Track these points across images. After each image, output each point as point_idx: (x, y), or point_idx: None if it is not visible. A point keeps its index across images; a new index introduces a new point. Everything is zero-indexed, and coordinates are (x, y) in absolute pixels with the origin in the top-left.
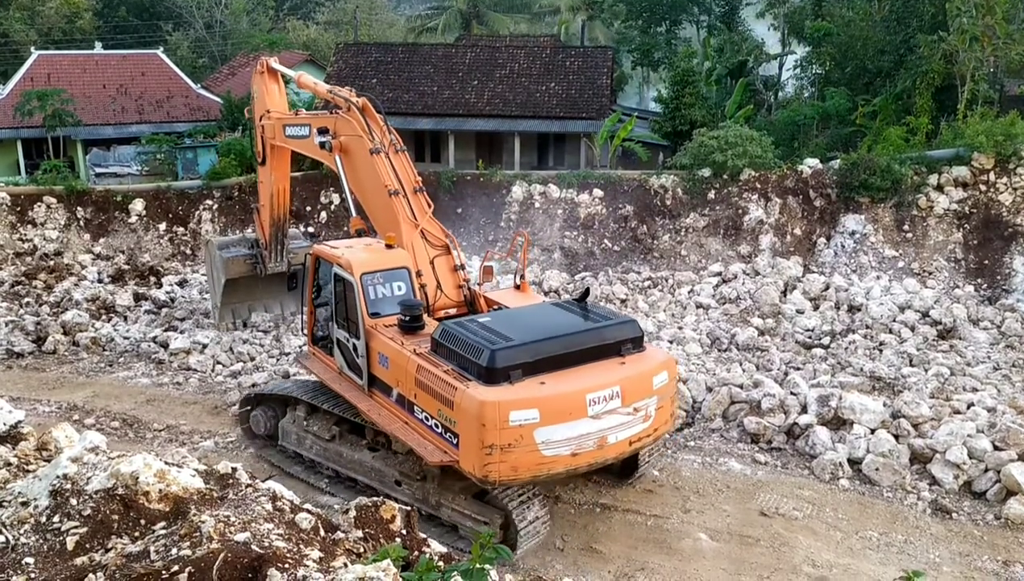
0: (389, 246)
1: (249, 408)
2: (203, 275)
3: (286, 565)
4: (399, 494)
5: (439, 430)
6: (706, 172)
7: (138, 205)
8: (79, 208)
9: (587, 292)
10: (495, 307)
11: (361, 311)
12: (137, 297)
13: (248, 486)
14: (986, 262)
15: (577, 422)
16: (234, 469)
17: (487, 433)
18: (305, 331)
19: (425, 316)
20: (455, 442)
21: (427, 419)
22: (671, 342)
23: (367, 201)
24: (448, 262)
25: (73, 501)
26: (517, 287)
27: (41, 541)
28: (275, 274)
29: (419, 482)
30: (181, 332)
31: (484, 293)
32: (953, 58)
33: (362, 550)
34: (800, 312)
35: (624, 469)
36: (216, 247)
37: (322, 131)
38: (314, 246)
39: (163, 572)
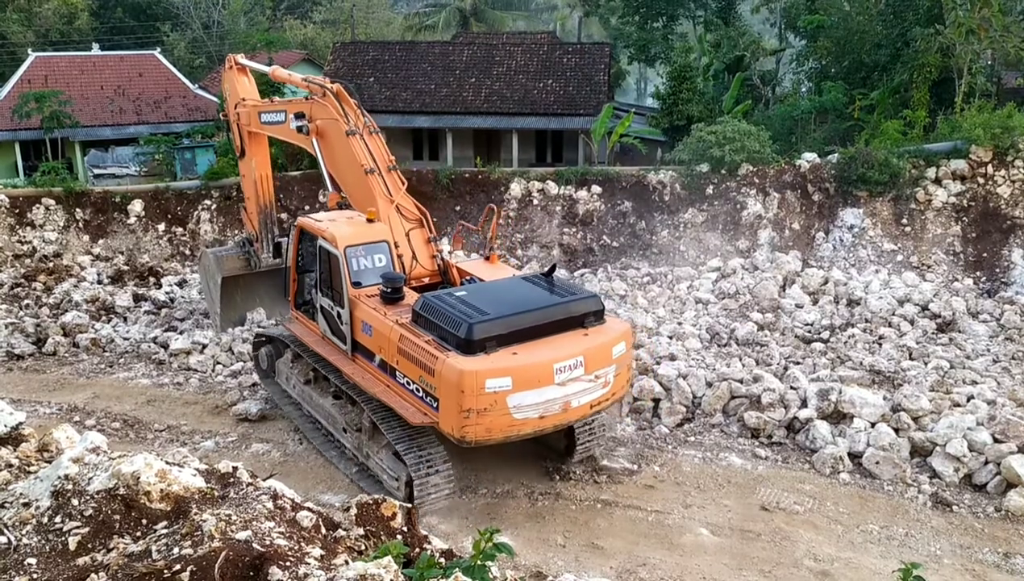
0: (370, 220)
1: (258, 347)
2: (200, 294)
3: (287, 563)
4: (343, 439)
5: (420, 394)
6: (704, 167)
7: (137, 206)
8: (78, 209)
9: (554, 267)
10: (467, 278)
11: (345, 282)
12: (137, 298)
13: (249, 485)
14: (985, 255)
15: (545, 388)
16: (235, 468)
17: (465, 399)
18: (289, 297)
19: (404, 286)
20: (435, 406)
21: (409, 384)
22: (671, 337)
23: (344, 180)
24: (422, 234)
25: (75, 501)
26: (487, 258)
27: (43, 542)
28: (272, 271)
29: (357, 433)
30: (181, 332)
31: (456, 263)
32: (950, 51)
33: (363, 548)
34: (799, 306)
35: (568, 446)
36: (209, 252)
37: (298, 116)
38: (299, 218)
39: (165, 571)
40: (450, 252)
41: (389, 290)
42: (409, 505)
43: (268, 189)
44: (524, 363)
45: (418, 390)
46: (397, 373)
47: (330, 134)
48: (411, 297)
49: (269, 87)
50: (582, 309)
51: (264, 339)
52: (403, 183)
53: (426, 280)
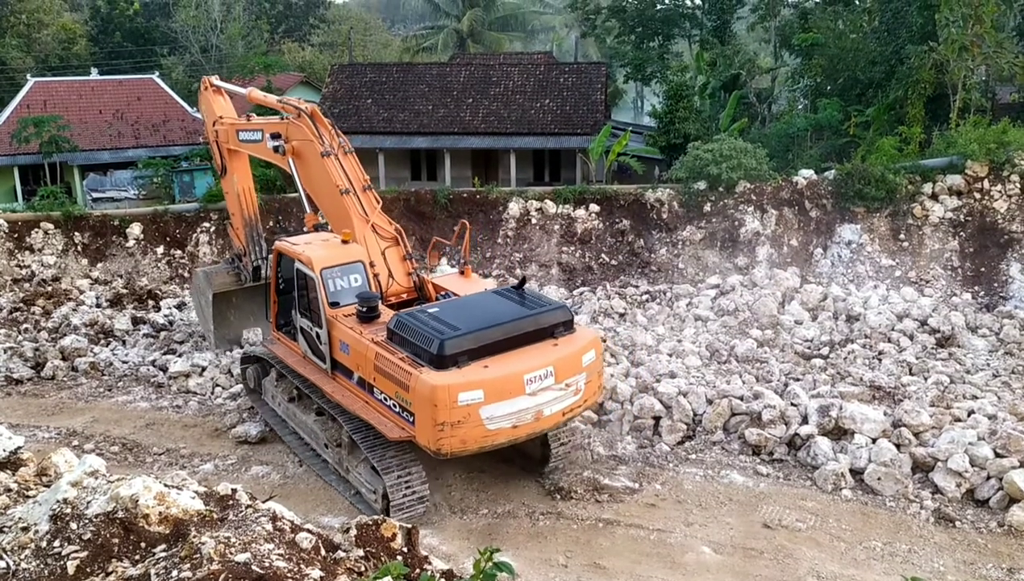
0: (345, 242)
1: (246, 366)
2: (195, 316)
3: None
4: (325, 455)
5: (397, 410)
6: (701, 185)
7: (135, 229)
8: (76, 233)
9: (524, 280)
10: (442, 293)
11: (322, 302)
12: (135, 321)
13: (248, 507)
14: (983, 269)
15: (517, 399)
16: (234, 490)
17: (439, 412)
18: (270, 318)
19: (380, 305)
20: (411, 420)
21: (386, 400)
22: (670, 355)
23: (320, 200)
24: (398, 252)
25: (73, 525)
26: (461, 273)
27: (42, 566)
28: (265, 285)
29: (337, 448)
30: (180, 355)
31: (432, 279)
32: (943, 67)
33: (363, 569)
34: (799, 323)
35: (543, 455)
36: (199, 271)
37: (275, 136)
38: (276, 243)
39: None
40: (428, 267)
41: (365, 309)
42: (409, 526)
43: (252, 201)
44: (495, 375)
45: (395, 405)
46: (375, 390)
47: (306, 155)
48: (387, 315)
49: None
50: (551, 320)
51: (251, 359)
52: (378, 202)
53: (404, 296)
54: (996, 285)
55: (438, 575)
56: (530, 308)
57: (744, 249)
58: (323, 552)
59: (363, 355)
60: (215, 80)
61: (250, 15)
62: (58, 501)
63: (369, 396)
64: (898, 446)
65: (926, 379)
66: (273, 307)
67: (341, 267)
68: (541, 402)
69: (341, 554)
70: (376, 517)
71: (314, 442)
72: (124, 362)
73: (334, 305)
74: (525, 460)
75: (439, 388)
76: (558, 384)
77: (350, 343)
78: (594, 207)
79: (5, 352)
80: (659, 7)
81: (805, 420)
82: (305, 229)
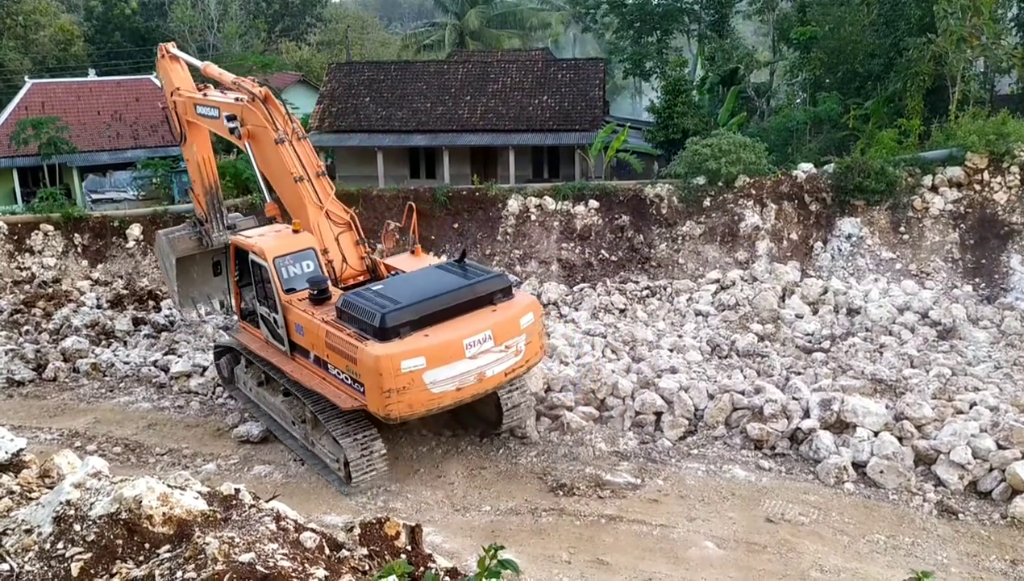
0: (296, 231)
1: (219, 357)
2: (157, 269)
3: None
4: (293, 431)
5: (348, 382)
6: (701, 180)
7: (135, 230)
8: (76, 235)
9: (465, 253)
10: (393, 272)
11: (277, 289)
12: (136, 322)
13: (252, 506)
14: (983, 261)
15: (457, 363)
16: (237, 490)
17: (384, 380)
18: (234, 309)
19: (332, 287)
20: (362, 390)
21: (339, 374)
22: (671, 350)
23: (277, 185)
24: (351, 237)
25: (77, 527)
26: (412, 253)
27: (45, 568)
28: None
29: (303, 424)
30: (181, 355)
31: (383, 261)
32: (942, 60)
33: (367, 568)
34: (799, 317)
35: (497, 417)
36: (162, 234)
37: (231, 117)
38: (231, 237)
39: None
40: (384, 251)
41: (316, 292)
42: (413, 524)
43: (211, 170)
44: (435, 342)
45: (347, 378)
46: (328, 366)
47: (261, 139)
48: (338, 296)
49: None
50: (490, 288)
51: (223, 349)
52: (331, 188)
53: (361, 278)
54: (997, 277)
55: (442, 573)
56: (469, 278)
57: (744, 244)
58: (327, 551)
59: (316, 334)
60: (172, 48)
61: (247, 14)
62: (61, 503)
63: (324, 372)
64: (900, 439)
65: (928, 372)
66: (236, 298)
67: (293, 255)
68: (482, 364)
69: (345, 553)
70: (380, 516)
71: (283, 422)
72: (125, 363)
73: (289, 291)
74: (482, 423)
75: (383, 358)
76: (497, 347)
77: (304, 325)
78: (593, 203)
79: (6, 354)
80: (658, 2)
81: (807, 414)
82: (267, 217)
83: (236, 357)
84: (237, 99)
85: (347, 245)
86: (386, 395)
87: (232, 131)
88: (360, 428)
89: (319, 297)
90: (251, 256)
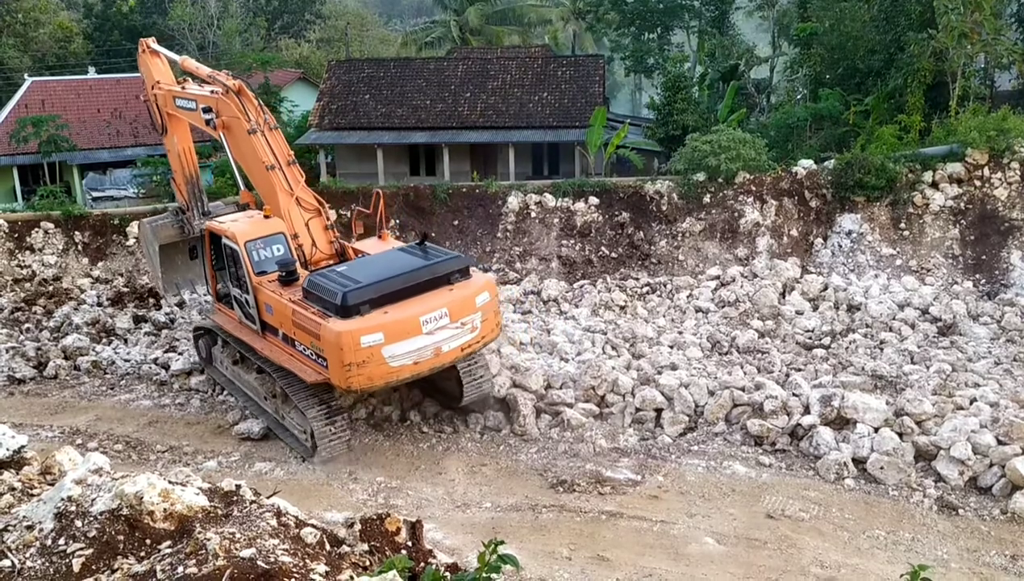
0: (267, 217)
1: (197, 338)
2: (144, 261)
3: (292, 580)
4: (265, 406)
5: (313, 357)
6: (701, 176)
7: (135, 228)
8: (77, 232)
9: (426, 236)
10: (360, 255)
11: (248, 272)
12: (137, 319)
13: (252, 502)
14: (984, 257)
15: (414, 338)
16: (238, 486)
17: (345, 355)
18: (210, 292)
19: (300, 269)
20: (325, 365)
21: (304, 350)
22: (671, 347)
23: (250, 173)
24: (321, 222)
25: (78, 523)
26: (380, 237)
27: (47, 564)
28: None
29: (273, 399)
30: (181, 353)
31: (351, 245)
32: (943, 56)
33: (368, 563)
34: (799, 313)
35: (459, 392)
36: (146, 222)
37: (207, 109)
38: (206, 222)
39: None
40: (355, 235)
41: (284, 274)
42: (414, 520)
43: (192, 160)
44: (393, 319)
45: (312, 354)
46: (295, 342)
47: (235, 130)
48: (305, 278)
49: None
50: (448, 268)
51: (201, 331)
52: (302, 176)
53: (331, 262)
54: (997, 273)
55: (443, 569)
56: (428, 260)
57: (744, 240)
58: (328, 547)
59: (284, 314)
60: (152, 43)
61: (246, 11)
62: (62, 499)
63: (292, 349)
64: (900, 435)
65: (928, 368)
66: (212, 281)
67: (263, 239)
68: (438, 340)
69: (346, 549)
70: (381, 512)
71: (255, 396)
72: (126, 360)
73: (260, 273)
74: (445, 397)
75: (343, 334)
76: (453, 323)
77: (273, 304)
78: (593, 200)
79: (7, 352)
80: None
81: (807, 410)
82: (241, 205)
83: (213, 338)
84: (212, 92)
85: (316, 230)
86: (347, 368)
87: (208, 122)
88: (324, 401)
89: (287, 278)
90: (224, 240)
